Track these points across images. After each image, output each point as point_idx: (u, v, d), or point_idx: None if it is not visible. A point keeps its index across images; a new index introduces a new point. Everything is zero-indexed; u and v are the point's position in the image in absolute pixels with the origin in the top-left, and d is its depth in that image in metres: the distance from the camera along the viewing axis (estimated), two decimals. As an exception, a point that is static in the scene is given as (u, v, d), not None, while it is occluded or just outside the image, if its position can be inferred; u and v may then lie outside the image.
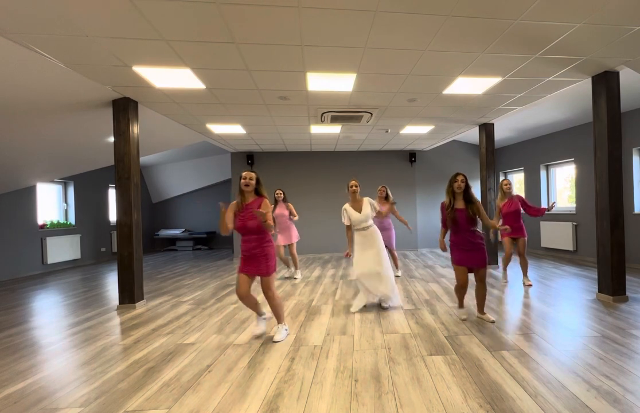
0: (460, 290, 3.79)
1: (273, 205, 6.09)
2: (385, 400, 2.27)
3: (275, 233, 6.18)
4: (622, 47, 3.67)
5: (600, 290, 4.51)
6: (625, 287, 4.38)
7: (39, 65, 3.64)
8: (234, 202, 3.33)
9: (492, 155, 6.97)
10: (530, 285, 5.29)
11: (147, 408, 2.26)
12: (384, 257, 4.28)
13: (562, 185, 8.37)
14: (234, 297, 5.08)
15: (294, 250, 6.24)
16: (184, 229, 11.59)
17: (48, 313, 4.58)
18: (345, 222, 4.32)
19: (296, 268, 6.36)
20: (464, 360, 2.81)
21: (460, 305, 3.91)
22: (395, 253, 6.28)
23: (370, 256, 4.22)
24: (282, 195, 6.12)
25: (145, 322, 4.08)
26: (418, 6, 2.91)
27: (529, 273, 5.59)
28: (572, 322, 3.67)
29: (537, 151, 8.54)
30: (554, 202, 5.45)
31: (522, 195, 9.06)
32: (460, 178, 3.61)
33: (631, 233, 6.31)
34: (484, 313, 3.78)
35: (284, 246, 6.21)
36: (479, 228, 3.71)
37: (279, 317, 3.41)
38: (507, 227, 3.77)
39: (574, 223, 7.52)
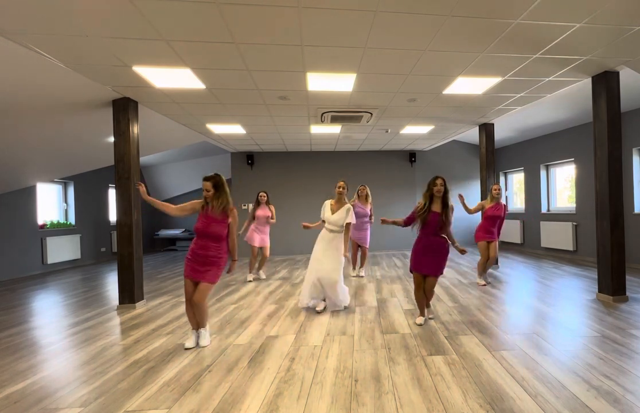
0: (418, 293, 3.73)
1: (254, 206, 6.17)
2: (385, 400, 2.27)
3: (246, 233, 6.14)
4: (622, 47, 3.67)
5: (600, 290, 4.50)
6: (625, 287, 4.38)
7: (39, 65, 3.64)
8: (195, 201, 3.27)
9: (492, 155, 6.97)
10: (484, 285, 5.36)
11: (147, 408, 2.26)
12: (340, 265, 4.25)
13: (562, 185, 8.38)
14: (234, 296, 5.08)
15: (268, 252, 6.33)
16: (184, 229, 11.59)
17: (48, 313, 4.58)
18: (321, 216, 4.34)
19: (261, 268, 6.43)
20: (464, 360, 2.81)
21: (421, 312, 3.78)
22: (367, 253, 6.47)
23: (329, 259, 4.18)
24: (265, 197, 6.16)
25: (145, 322, 4.08)
26: (418, 6, 2.91)
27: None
28: (572, 322, 3.67)
29: (537, 151, 8.54)
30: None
31: (522, 195, 9.09)
32: (439, 181, 3.59)
33: (631, 234, 6.30)
34: (428, 307, 3.85)
35: (259, 247, 6.21)
36: (448, 237, 3.68)
37: (202, 321, 3.30)
38: (464, 250, 3.70)
39: (574, 223, 7.52)
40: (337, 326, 3.73)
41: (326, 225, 4.29)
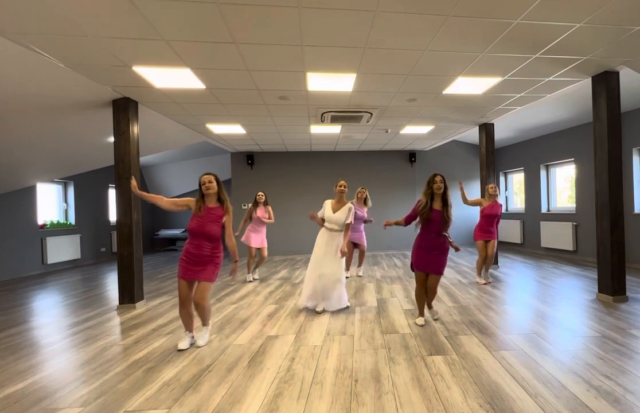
0: (420, 292, 3.71)
1: (252, 207, 6.14)
2: (385, 400, 2.27)
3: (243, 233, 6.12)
4: (622, 47, 3.67)
5: (600, 290, 4.50)
6: (625, 287, 4.38)
7: (39, 66, 3.64)
8: (190, 199, 3.24)
9: (492, 155, 6.97)
10: (485, 284, 5.43)
11: (147, 408, 2.26)
12: (341, 264, 4.26)
13: (562, 185, 8.38)
14: (234, 296, 5.08)
15: (266, 253, 6.28)
16: (184, 229, 11.59)
17: (48, 313, 4.58)
18: (319, 214, 4.31)
19: (257, 267, 6.41)
20: (464, 360, 2.81)
21: (421, 312, 3.77)
22: (365, 251, 6.50)
23: (330, 260, 4.18)
24: (263, 197, 6.15)
25: (145, 322, 4.08)
26: (418, 6, 2.91)
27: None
28: (572, 322, 3.67)
29: (537, 151, 8.54)
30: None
31: (523, 196, 9.09)
32: (438, 179, 3.58)
33: (631, 234, 6.31)
34: (431, 308, 3.84)
35: (257, 249, 6.18)
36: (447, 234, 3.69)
37: (205, 319, 3.30)
38: (458, 248, 3.71)
39: (574, 223, 7.52)
40: (337, 326, 3.73)
41: (326, 224, 4.27)
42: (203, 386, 2.52)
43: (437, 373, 2.62)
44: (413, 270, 3.77)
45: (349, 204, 4.27)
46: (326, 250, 4.21)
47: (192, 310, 3.25)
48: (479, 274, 5.59)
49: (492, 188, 5.57)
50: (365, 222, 6.20)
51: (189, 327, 3.28)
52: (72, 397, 2.43)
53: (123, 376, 2.71)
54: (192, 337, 3.32)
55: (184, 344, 3.23)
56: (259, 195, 6.14)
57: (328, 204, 4.32)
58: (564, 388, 2.36)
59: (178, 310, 3.28)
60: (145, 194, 3.28)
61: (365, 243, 6.29)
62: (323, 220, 4.31)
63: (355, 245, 6.25)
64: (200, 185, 3.19)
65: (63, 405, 2.33)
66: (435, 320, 3.80)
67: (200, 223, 3.12)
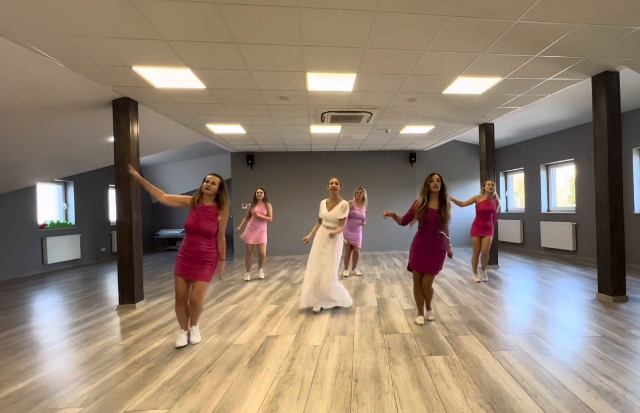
0: (417, 291, 3.74)
1: (252, 204, 6.22)
2: (385, 400, 2.27)
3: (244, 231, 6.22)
4: (622, 47, 3.67)
5: (600, 290, 4.50)
6: (625, 287, 4.38)
7: (39, 66, 3.63)
8: (188, 197, 3.29)
9: (492, 155, 6.97)
10: (479, 282, 5.51)
11: (147, 408, 2.26)
12: (335, 261, 4.21)
13: (562, 185, 8.38)
14: (234, 296, 5.08)
15: (264, 250, 6.34)
16: (183, 229, 11.58)
17: (48, 313, 4.58)
18: (319, 215, 4.39)
19: (260, 267, 6.43)
20: (464, 360, 2.81)
21: (420, 311, 3.79)
22: (359, 253, 6.64)
23: (326, 258, 4.18)
24: (262, 194, 6.19)
25: (145, 322, 4.08)
26: (418, 6, 2.91)
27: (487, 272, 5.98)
28: (572, 322, 3.67)
29: (537, 151, 8.54)
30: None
31: (523, 196, 9.09)
32: (435, 177, 3.59)
33: (631, 233, 6.30)
34: (429, 309, 3.80)
35: (254, 245, 6.24)
36: (446, 234, 3.68)
37: (195, 318, 3.34)
38: (451, 254, 3.73)
39: (574, 223, 7.52)
40: (337, 326, 3.73)
41: (323, 222, 4.32)
42: (203, 386, 2.52)
43: (437, 373, 2.62)
44: (410, 270, 3.79)
45: (343, 201, 4.33)
46: (322, 247, 4.23)
47: (186, 308, 3.29)
48: (475, 271, 5.66)
49: (489, 185, 5.64)
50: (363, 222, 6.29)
51: (184, 324, 3.32)
52: (72, 397, 2.43)
53: (123, 376, 2.71)
54: (188, 334, 3.35)
55: (181, 341, 3.26)
56: (258, 192, 6.18)
57: (323, 203, 4.38)
58: (564, 388, 2.36)
59: (174, 307, 3.30)
60: (147, 182, 3.33)
61: (360, 245, 6.39)
62: (320, 220, 4.39)
63: (350, 246, 6.29)
64: (203, 181, 3.23)
65: (63, 405, 2.33)
66: (431, 320, 3.77)
67: (195, 219, 3.18)
